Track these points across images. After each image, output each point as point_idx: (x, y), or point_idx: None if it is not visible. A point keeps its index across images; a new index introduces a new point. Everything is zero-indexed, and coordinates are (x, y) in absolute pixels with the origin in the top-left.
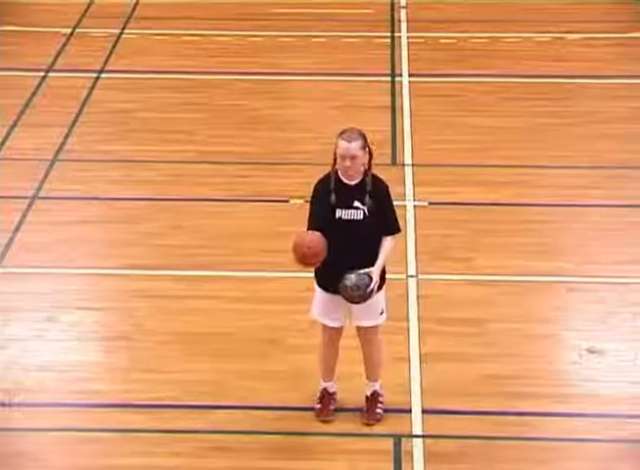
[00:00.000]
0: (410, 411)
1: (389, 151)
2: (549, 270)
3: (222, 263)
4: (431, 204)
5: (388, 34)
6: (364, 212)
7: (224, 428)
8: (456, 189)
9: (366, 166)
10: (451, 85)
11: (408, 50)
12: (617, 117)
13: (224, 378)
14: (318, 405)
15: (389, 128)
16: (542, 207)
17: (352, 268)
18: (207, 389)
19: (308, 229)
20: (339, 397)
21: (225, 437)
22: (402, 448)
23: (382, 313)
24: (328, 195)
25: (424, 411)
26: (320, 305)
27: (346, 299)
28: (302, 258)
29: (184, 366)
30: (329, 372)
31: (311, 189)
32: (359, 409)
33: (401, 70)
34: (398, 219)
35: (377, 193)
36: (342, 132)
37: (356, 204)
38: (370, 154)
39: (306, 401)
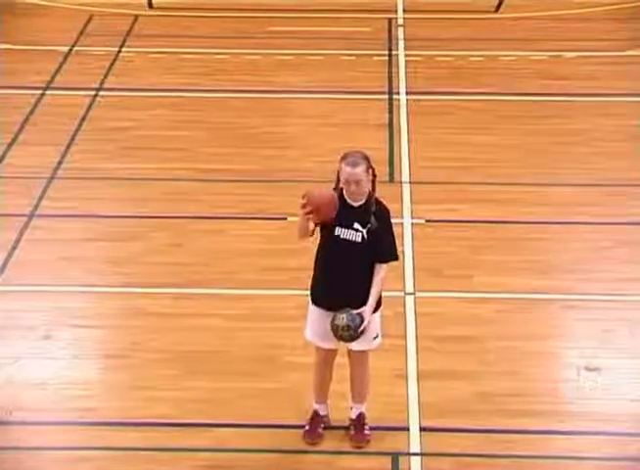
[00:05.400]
0: (408, 429)
1: (387, 168)
2: (547, 288)
3: (220, 281)
4: (428, 221)
5: (386, 52)
6: (363, 236)
7: (221, 446)
8: (454, 206)
9: (370, 188)
10: (448, 103)
11: (406, 68)
12: (614, 134)
13: (221, 396)
14: (307, 427)
15: (387, 146)
16: (540, 224)
17: (348, 289)
18: (204, 407)
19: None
20: (336, 416)
21: (222, 455)
22: (400, 466)
23: (376, 338)
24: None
25: (422, 429)
26: (314, 324)
27: (336, 337)
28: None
29: (181, 384)
30: (321, 394)
31: None
32: None
33: (399, 87)
34: (396, 248)
35: (380, 217)
36: (345, 156)
37: (356, 226)
38: (373, 175)
39: (303, 419)
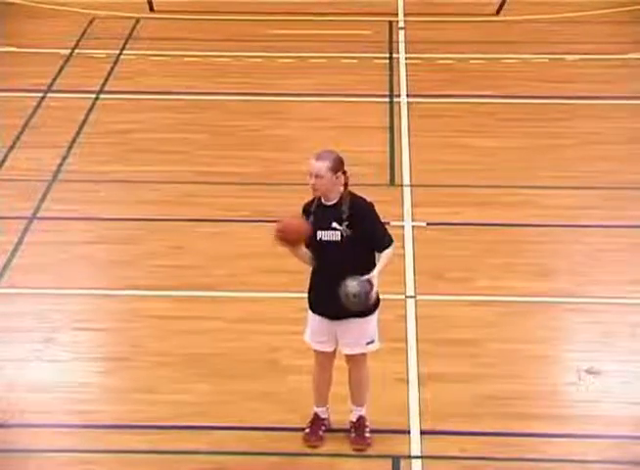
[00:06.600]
0: (409, 432)
1: (388, 171)
2: (548, 291)
3: (221, 284)
4: (429, 224)
5: (387, 55)
6: (342, 234)
7: (222, 449)
8: (454, 209)
9: (341, 189)
10: (449, 106)
11: (406, 71)
12: (617, 137)
13: (222, 399)
14: (307, 430)
15: (388, 149)
16: (541, 227)
17: (338, 291)
18: (206, 410)
19: None
20: (337, 419)
21: (223, 458)
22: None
23: (370, 343)
24: (308, 216)
25: (422, 432)
26: (312, 328)
27: (347, 305)
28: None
29: (182, 387)
30: (321, 398)
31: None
32: None
33: (400, 90)
34: (388, 233)
35: (356, 212)
36: (317, 153)
37: (334, 225)
38: (345, 176)
39: (304, 422)
